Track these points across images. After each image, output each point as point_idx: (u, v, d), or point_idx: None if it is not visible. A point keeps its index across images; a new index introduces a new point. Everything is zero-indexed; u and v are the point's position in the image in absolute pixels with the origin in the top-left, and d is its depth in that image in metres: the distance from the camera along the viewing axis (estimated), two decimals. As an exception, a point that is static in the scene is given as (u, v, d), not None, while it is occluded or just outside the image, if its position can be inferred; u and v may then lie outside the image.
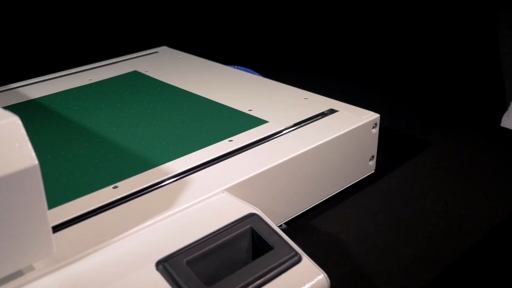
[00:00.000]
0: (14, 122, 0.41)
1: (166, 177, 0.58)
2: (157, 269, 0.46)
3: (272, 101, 0.78)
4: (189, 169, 0.60)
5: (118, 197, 0.55)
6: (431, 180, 0.77)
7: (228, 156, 0.63)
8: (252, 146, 0.65)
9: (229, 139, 0.66)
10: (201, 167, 0.61)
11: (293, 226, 0.66)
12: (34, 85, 0.87)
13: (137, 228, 0.50)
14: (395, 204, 0.71)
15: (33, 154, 0.41)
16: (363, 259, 0.61)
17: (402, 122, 0.96)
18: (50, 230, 0.43)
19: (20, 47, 1.15)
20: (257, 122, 0.71)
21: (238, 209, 0.53)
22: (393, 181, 0.76)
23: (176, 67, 0.93)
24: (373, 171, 0.76)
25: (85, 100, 0.81)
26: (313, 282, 0.48)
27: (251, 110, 0.75)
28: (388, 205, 0.71)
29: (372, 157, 0.74)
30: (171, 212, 0.52)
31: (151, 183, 0.57)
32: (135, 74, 0.90)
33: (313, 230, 0.66)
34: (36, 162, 0.41)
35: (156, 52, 1.00)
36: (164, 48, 1.03)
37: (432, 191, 0.74)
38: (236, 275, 0.47)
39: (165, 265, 0.46)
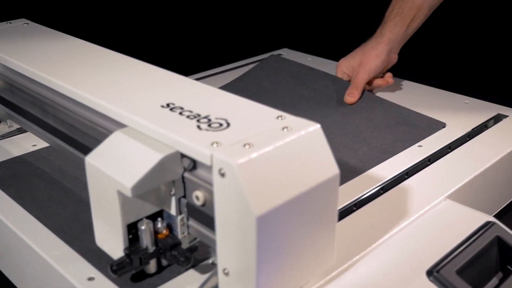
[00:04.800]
0: (317, 130, 0.40)
1: (377, 185, 0.57)
2: (429, 279, 0.45)
3: (434, 105, 0.77)
4: (394, 177, 0.59)
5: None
6: None
7: (427, 163, 0.62)
8: (445, 151, 0.64)
9: (417, 144, 0.65)
10: (407, 174, 0.60)
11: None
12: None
13: (383, 239, 0.49)
14: None
15: (335, 162, 0.40)
16: None
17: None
18: (335, 238, 0.42)
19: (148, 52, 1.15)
20: (434, 128, 0.70)
21: (472, 217, 0.52)
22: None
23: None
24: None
25: None
26: None
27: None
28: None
29: (540, 162, 0.74)
30: (406, 222, 0.51)
31: (364, 192, 0.56)
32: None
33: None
34: (338, 170, 0.40)
35: (280, 54, 0.99)
36: (286, 50, 1.01)
37: None
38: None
39: (437, 275, 0.45)
